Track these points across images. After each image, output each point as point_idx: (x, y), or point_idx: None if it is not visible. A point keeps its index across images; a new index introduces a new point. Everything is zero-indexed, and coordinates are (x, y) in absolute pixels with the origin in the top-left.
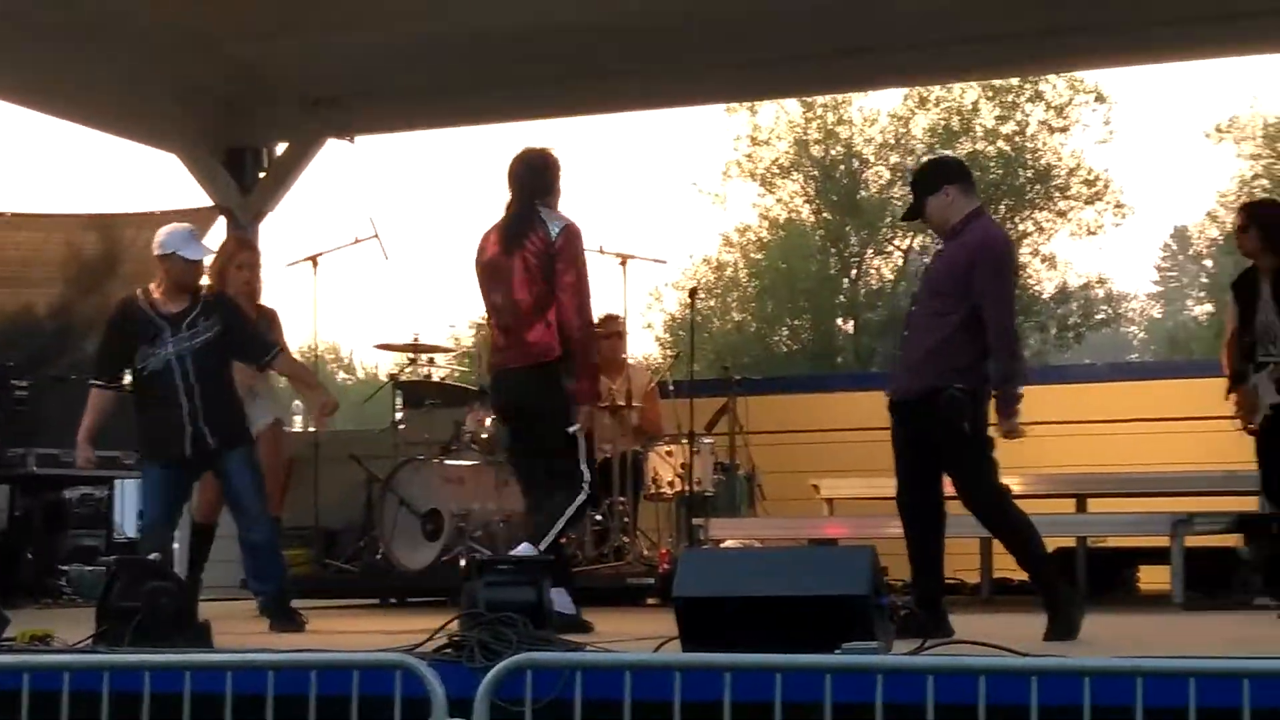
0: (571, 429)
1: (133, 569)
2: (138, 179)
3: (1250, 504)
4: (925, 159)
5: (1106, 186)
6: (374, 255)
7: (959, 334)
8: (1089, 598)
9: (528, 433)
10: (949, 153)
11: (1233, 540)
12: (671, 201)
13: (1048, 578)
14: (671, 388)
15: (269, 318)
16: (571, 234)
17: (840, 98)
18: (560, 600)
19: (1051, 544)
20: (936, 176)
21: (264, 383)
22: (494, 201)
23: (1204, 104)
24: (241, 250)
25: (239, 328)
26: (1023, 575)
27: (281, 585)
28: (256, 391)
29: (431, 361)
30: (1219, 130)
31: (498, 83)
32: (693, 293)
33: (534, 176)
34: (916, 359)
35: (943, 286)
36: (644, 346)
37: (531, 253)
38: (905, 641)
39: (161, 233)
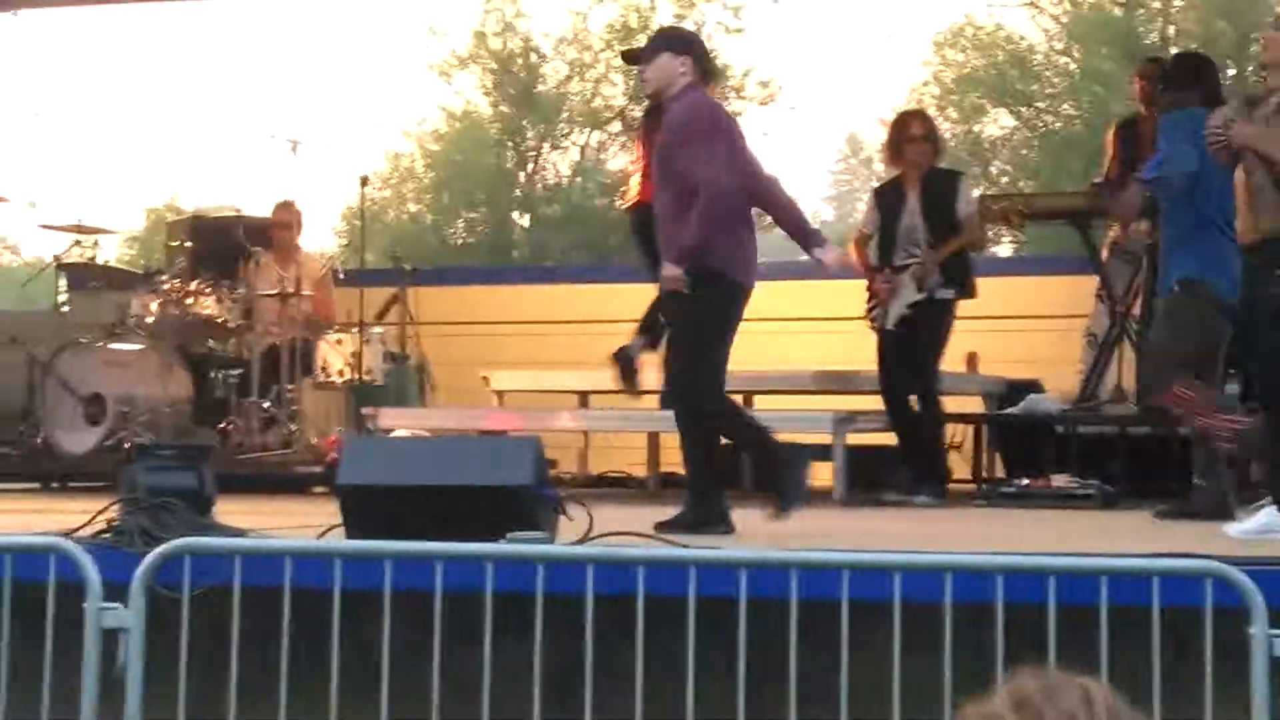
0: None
1: None
2: None
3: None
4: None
5: (780, 89)
6: (40, 134)
7: None
8: (753, 493)
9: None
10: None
11: (893, 438)
12: (351, 89)
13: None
14: (342, 276)
15: None
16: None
17: None
18: None
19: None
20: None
21: None
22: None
23: (876, 10)
24: None
25: None
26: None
27: None
28: None
29: (96, 244)
30: (889, 37)
31: None
32: (363, 180)
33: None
34: None
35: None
36: (319, 236)
37: None
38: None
39: None
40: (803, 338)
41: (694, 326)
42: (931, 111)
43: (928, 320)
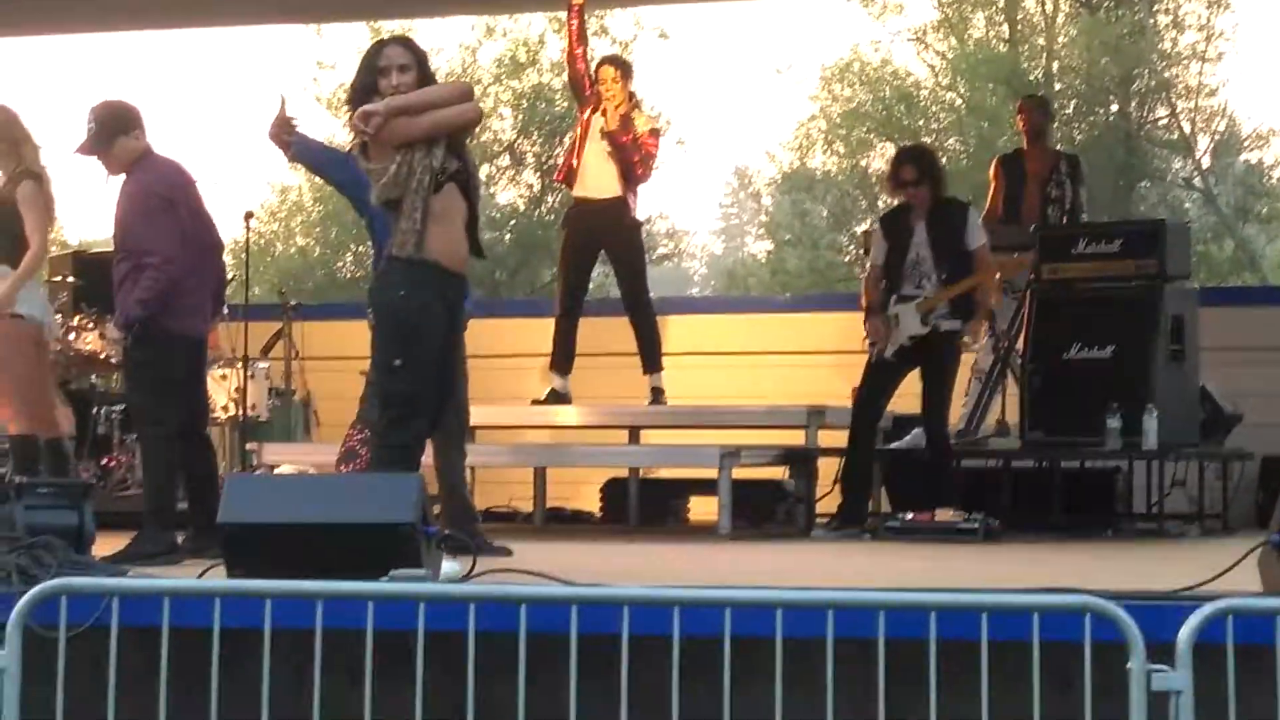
0: None
1: None
2: None
3: (796, 437)
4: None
5: (669, 124)
6: None
7: None
8: (640, 527)
9: None
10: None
11: (778, 472)
12: (236, 123)
13: None
14: (226, 311)
15: None
16: None
17: (409, 24)
18: None
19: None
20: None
21: None
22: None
23: (763, 46)
24: None
25: None
26: (576, 505)
27: None
28: None
29: None
30: (778, 72)
31: None
32: (248, 215)
33: None
34: None
35: None
36: None
37: None
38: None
39: None
40: (689, 372)
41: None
42: (818, 146)
43: (931, 353)
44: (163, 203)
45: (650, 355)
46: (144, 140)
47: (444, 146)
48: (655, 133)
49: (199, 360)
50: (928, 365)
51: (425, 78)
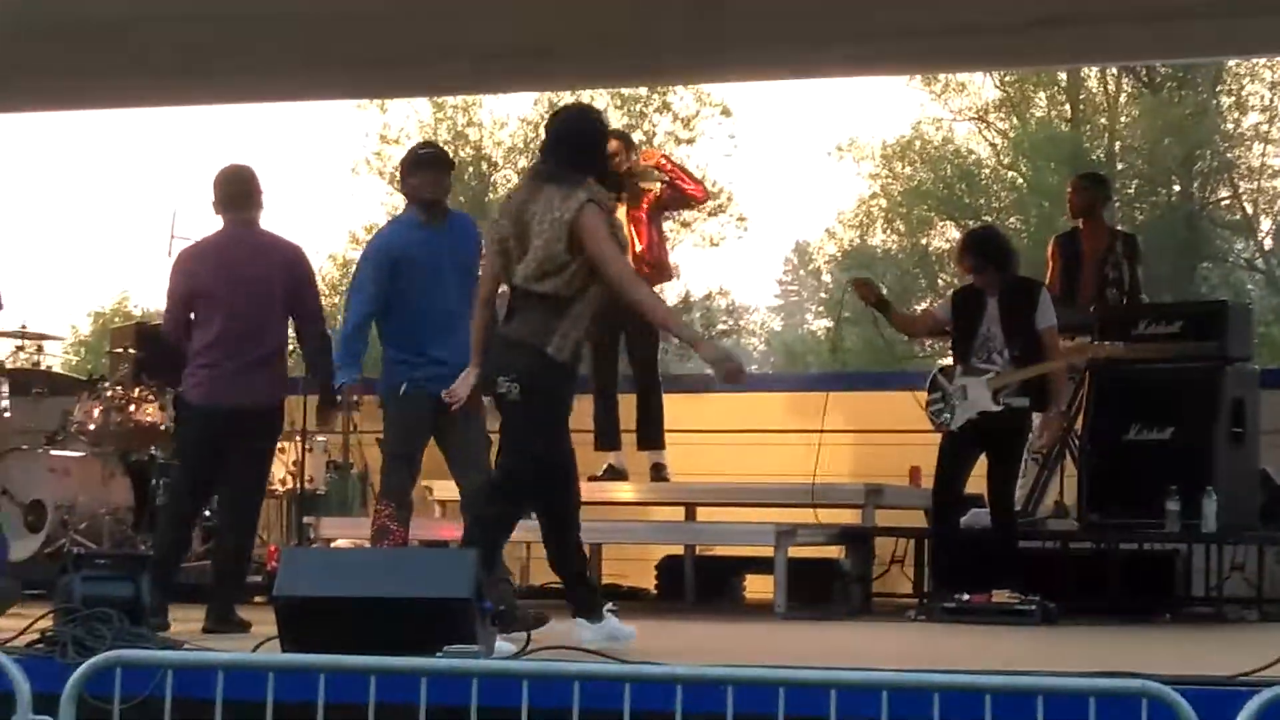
0: None
1: None
2: None
3: (852, 516)
4: None
5: (730, 199)
6: None
7: None
8: (696, 605)
9: None
10: None
11: (835, 551)
12: (302, 197)
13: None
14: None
15: None
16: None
17: (472, 100)
18: None
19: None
20: None
21: None
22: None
23: (825, 123)
24: None
25: None
26: (632, 582)
27: None
28: None
29: (40, 349)
30: (839, 149)
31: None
32: None
33: None
34: None
35: None
36: None
37: None
38: None
39: None
40: (746, 449)
41: None
42: (879, 224)
43: (1000, 429)
44: (176, 273)
45: (651, 433)
46: (220, 212)
47: None
48: (660, 165)
49: (214, 435)
50: (996, 444)
51: None
